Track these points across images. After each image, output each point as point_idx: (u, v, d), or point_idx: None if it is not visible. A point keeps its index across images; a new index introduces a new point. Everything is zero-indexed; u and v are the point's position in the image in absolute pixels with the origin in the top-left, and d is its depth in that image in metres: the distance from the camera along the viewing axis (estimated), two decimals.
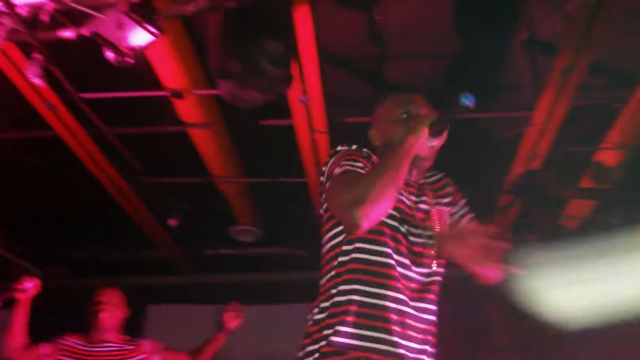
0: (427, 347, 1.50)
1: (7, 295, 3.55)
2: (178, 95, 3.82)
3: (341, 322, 1.40)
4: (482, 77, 3.76)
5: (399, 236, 1.54)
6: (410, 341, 1.44)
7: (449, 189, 1.80)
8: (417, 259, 1.54)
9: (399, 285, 1.46)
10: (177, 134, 4.33)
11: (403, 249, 1.53)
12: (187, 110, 4.09)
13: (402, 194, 1.60)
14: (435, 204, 1.68)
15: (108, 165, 4.59)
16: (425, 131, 1.52)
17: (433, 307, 1.56)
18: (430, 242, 1.57)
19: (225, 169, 4.83)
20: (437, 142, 1.59)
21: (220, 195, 5.08)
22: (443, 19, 3.40)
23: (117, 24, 2.64)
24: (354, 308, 1.41)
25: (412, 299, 1.48)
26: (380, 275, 1.46)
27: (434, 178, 1.80)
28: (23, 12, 2.91)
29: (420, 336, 1.47)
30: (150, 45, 2.92)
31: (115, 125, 4.25)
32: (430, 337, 1.53)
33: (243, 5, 2.50)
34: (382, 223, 1.50)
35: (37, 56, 2.97)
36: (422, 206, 1.65)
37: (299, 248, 5.99)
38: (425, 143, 1.54)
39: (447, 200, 1.75)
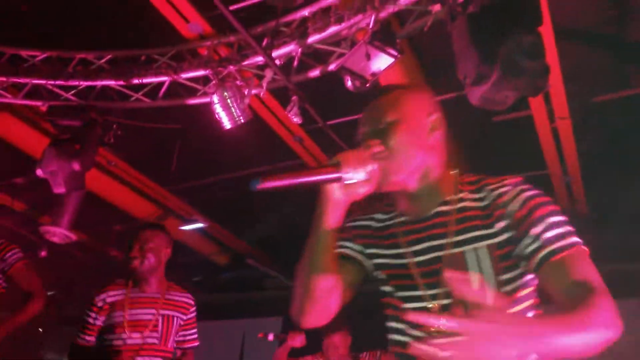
0: None
1: (282, 337, 4.14)
2: None
3: None
4: None
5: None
6: None
7: (500, 207, 1.16)
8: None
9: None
10: None
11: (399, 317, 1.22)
12: None
13: (378, 248, 1.27)
14: (459, 243, 1.16)
15: None
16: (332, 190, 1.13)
17: None
18: (443, 303, 1.14)
19: None
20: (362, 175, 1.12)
21: None
22: None
23: (365, 55, 2.83)
24: None
25: None
26: None
27: (469, 195, 1.22)
28: (280, 61, 3.33)
29: None
30: (390, 66, 3.08)
31: (351, 144, 4.56)
32: None
33: (484, 4, 2.46)
34: None
35: (295, 98, 3.37)
36: (425, 256, 1.20)
37: None
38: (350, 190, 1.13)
39: (498, 227, 1.15)
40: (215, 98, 3.49)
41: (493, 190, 1.18)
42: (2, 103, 4.11)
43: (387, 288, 1.25)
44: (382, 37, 2.87)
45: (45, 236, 3.94)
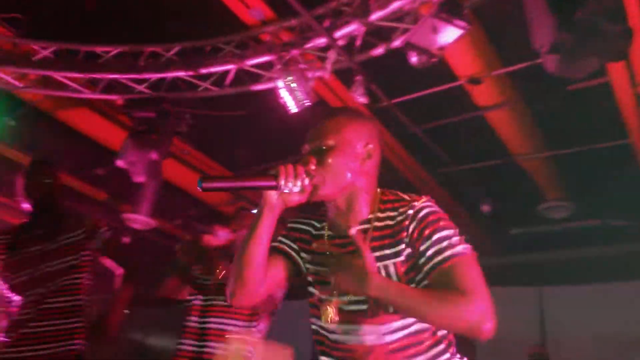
0: None
1: None
2: (476, 81, 3.82)
3: None
4: None
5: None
6: None
7: (404, 230, 1.34)
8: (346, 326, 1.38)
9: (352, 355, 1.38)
10: (473, 120, 4.34)
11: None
12: (483, 94, 4.06)
13: (312, 254, 1.44)
14: (378, 259, 1.33)
15: (412, 161, 4.89)
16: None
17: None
18: (361, 309, 1.35)
19: (526, 146, 4.64)
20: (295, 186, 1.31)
21: (524, 173, 4.89)
22: None
23: (431, 29, 2.76)
24: None
25: None
26: None
27: (384, 215, 1.39)
28: (342, 42, 3.31)
29: None
30: (458, 39, 2.99)
31: (416, 121, 4.49)
32: None
33: None
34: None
35: (359, 78, 3.35)
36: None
37: (616, 218, 5.34)
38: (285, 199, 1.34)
39: (401, 247, 1.34)
40: (280, 83, 3.53)
41: (402, 212, 1.35)
42: (81, 98, 4.36)
43: (311, 289, 1.44)
44: (449, 9, 2.78)
45: (127, 223, 4.17)
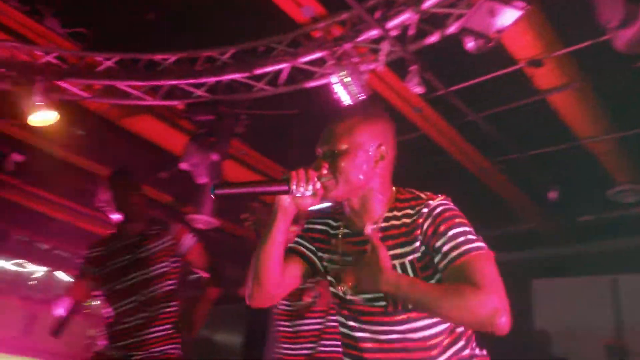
0: None
1: None
2: (536, 63, 3.67)
3: None
4: None
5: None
6: None
7: (418, 227, 1.36)
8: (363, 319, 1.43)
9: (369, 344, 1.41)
10: (535, 104, 4.17)
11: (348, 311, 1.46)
12: (544, 76, 3.89)
13: (329, 253, 1.48)
14: (394, 257, 1.35)
15: (473, 150, 4.76)
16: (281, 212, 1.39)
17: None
18: (378, 305, 1.38)
19: (593, 128, 4.42)
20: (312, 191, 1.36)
21: (591, 157, 4.66)
22: None
23: (488, 11, 2.67)
24: None
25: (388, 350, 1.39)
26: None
27: (398, 213, 1.41)
28: (395, 32, 3.27)
29: None
30: (516, 21, 2.88)
31: (475, 109, 4.37)
32: None
33: None
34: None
35: (414, 67, 3.30)
36: None
37: None
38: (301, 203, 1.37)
39: (416, 244, 1.35)
40: (333, 78, 3.53)
41: (418, 210, 1.37)
42: (144, 106, 4.54)
43: (332, 289, 1.48)
44: None
45: (192, 224, 4.31)
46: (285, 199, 1.36)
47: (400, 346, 1.35)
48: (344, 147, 1.39)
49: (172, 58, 4.17)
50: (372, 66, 3.52)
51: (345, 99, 3.56)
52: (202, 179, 3.92)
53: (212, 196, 1.34)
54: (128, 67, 4.26)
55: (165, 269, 2.53)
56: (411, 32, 3.27)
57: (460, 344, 1.37)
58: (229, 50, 4.04)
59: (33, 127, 4.47)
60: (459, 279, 1.25)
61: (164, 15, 4.04)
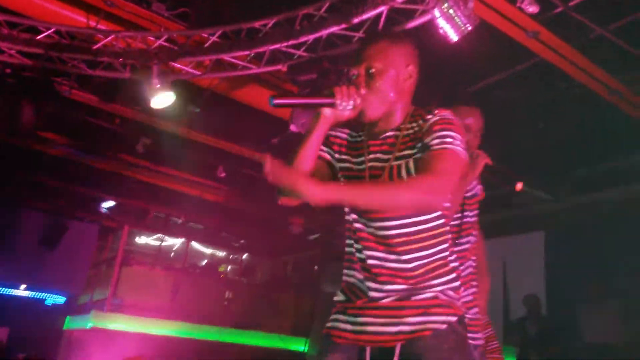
0: (420, 288, 1.54)
1: None
2: None
3: None
4: None
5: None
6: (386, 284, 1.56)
7: (425, 130, 1.57)
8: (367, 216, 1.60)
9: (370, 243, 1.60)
10: None
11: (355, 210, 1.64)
12: None
13: (349, 155, 1.68)
14: (398, 158, 1.58)
15: (600, 71, 4.28)
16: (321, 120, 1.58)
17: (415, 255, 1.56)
18: None
19: None
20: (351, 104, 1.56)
21: None
22: None
23: None
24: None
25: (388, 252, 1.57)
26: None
27: (412, 124, 1.62)
28: None
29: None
30: None
31: (600, 22, 3.89)
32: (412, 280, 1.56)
33: None
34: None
35: None
36: (376, 164, 1.62)
37: None
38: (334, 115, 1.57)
39: (418, 146, 1.57)
40: (436, 12, 3.33)
41: (425, 119, 1.58)
42: (250, 75, 4.66)
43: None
44: None
45: None
46: (327, 111, 1.56)
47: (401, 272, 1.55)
48: (379, 66, 1.58)
49: (271, 22, 4.21)
50: None
51: (451, 33, 3.35)
52: None
53: (271, 105, 1.50)
54: (231, 39, 4.38)
55: None
56: None
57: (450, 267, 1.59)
58: (324, 4, 3.97)
59: (155, 110, 4.82)
60: (425, 163, 1.50)
61: None
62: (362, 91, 1.56)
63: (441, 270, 1.55)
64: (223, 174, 6.55)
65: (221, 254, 10.45)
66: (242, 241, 10.28)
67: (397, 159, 1.58)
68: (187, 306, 7.92)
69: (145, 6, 4.40)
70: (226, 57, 4.41)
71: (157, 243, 9.77)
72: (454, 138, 1.51)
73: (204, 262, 10.23)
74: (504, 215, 7.02)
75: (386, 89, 1.58)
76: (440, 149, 1.49)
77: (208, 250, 10.34)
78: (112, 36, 4.45)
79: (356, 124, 1.70)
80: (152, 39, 4.47)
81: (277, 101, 1.49)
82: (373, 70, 1.57)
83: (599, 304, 5.23)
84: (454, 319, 1.51)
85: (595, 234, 6.00)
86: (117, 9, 4.33)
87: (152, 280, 8.03)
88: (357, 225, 1.60)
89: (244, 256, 10.47)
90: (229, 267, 10.29)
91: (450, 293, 1.55)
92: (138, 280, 7.82)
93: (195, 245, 9.81)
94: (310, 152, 1.58)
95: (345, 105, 1.54)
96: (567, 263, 6.11)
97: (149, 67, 4.46)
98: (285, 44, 4.15)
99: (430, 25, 3.50)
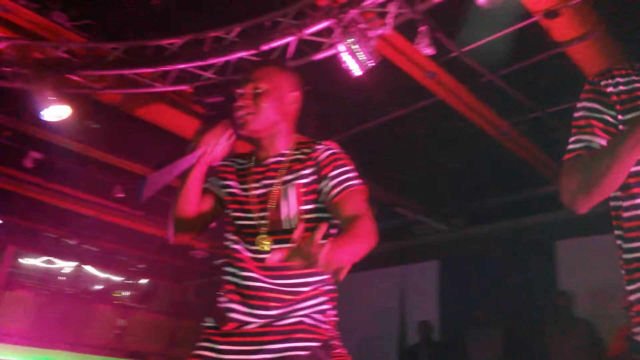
0: (286, 313, 1.52)
1: None
2: (552, 14, 3.52)
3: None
4: None
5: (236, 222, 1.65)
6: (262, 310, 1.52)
7: (312, 160, 1.62)
8: (249, 240, 1.60)
9: (248, 265, 1.57)
10: (556, 58, 4.03)
11: (237, 233, 1.64)
12: (562, 27, 3.75)
13: (236, 182, 1.68)
14: (285, 182, 1.60)
15: (490, 113, 4.64)
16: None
17: (294, 281, 1.55)
18: (263, 222, 1.59)
19: None
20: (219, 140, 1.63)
21: None
22: None
23: None
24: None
25: (266, 276, 1.55)
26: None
27: (297, 151, 1.66)
28: None
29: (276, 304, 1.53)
30: None
31: (491, 68, 4.24)
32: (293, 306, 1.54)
33: None
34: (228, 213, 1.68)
35: (423, 28, 3.20)
36: (260, 190, 1.63)
37: None
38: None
39: (306, 172, 1.61)
40: (341, 47, 3.45)
41: (313, 149, 1.62)
42: (156, 93, 4.52)
43: (230, 212, 1.66)
44: None
45: None
46: (200, 159, 1.59)
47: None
48: (265, 87, 1.63)
49: (179, 42, 4.13)
50: (380, 31, 3.42)
51: (354, 67, 3.48)
52: (218, 162, 3.90)
53: (141, 201, 1.52)
54: (136, 55, 4.24)
55: None
56: None
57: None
58: (234, 29, 3.98)
59: (49, 123, 4.50)
60: (344, 203, 1.51)
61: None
62: (246, 108, 1.61)
63: (312, 294, 1.53)
64: (121, 194, 6.24)
65: (117, 278, 9.86)
66: (141, 265, 9.78)
67: (283, 183, 1.60)
68: (74, 335, 7.36)
69: (44, 15, 4.15)
70: (129, 73, 4.25)
71: (46, 265, 9.05)
72: (354, 172, 1.58)
73: (98, 287, 9.60)
74: (402, 244, 7.31)
75: (270, 108, 1.62)
76: (351, 185, 1.54)
77: (103, 275, 9.72)
78: (5, 43, 4.13)
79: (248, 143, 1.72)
80: (50, 49, 4.22)
81: (146, 196, 1.50)
82: (259, 90, 1.62)
83: (485, 328, 5.55)
84: (316, 344, 1.47)
85: (485, 262, 6.43)
86: (13, 15, 4.04)
87: (38, 306, 7.41)
88: (236, 246, 1.59)
89: (143, 281, 9.97)
90: (127, 293, 9.73)
91: (317, 316, 1.52)
92: (22, 306, 7.18)
93: (88, 269, 9.19)
94: (192, 197, 1.60)
95: (216, 148, 1.60)
96: (459, 290, 6.45)
97: (44, 78, 4.19)
98: (192, 64, 4.09)
99: (336, 58, 3.62)
